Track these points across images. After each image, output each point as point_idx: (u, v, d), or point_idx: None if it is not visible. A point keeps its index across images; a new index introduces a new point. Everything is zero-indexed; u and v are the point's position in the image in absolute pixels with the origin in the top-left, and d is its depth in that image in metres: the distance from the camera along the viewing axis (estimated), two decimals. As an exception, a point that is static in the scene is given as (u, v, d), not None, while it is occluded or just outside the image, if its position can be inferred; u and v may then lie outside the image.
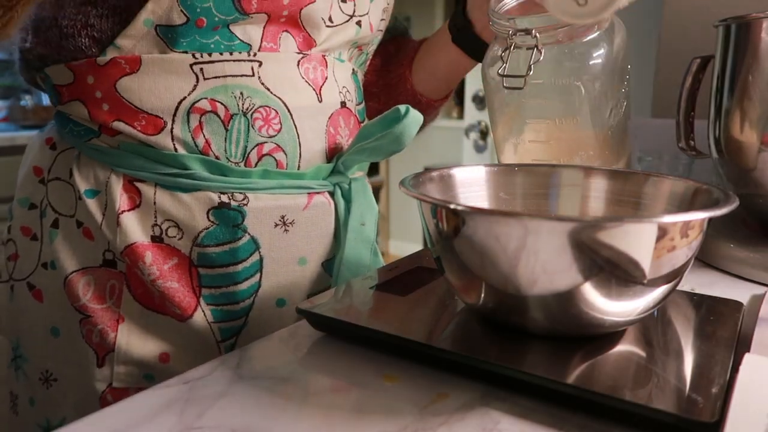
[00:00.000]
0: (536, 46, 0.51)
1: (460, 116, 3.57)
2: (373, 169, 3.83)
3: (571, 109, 0.55)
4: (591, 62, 0.54)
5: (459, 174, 0.47)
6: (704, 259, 0.60)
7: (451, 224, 0.36)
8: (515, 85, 0.52)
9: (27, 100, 2.45)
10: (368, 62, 0.68)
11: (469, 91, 3.24)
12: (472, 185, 0.48)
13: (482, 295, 0.37)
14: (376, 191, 3.82)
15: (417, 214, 0.90)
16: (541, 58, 0.51)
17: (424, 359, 0.38)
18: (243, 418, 0.32)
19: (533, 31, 0.52)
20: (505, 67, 0.53)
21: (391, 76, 0.74)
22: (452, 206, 0.35)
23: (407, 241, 3.87)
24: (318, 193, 0.56)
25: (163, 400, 0.34)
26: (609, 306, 0.34)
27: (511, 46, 0.53)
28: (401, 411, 0.33)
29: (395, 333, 0.38)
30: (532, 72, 0.51)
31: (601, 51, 0.54)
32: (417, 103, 0.73)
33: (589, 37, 0.54)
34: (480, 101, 3.20)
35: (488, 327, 0.39)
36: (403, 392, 0.35)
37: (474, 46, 0.68)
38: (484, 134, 3.23)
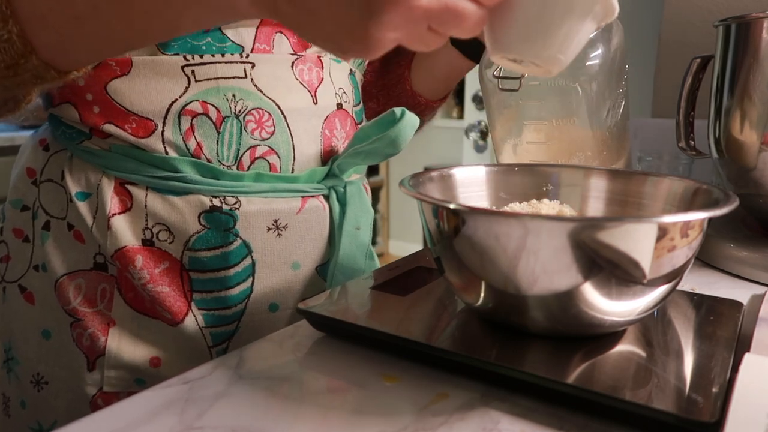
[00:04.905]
0: None
1: (460, 116, 3.57)
2: (373, 170, 3.83)
3: (569, 110, 0.56)
4: (588, 63, 0.54)
5: (459, 174, 0.47)
6: (704, 259, 0.60)
7: (451, 224, 0.36)
8: (511, 87, 0.52)
9: (27, 100, 2.45)
10: (367, 63, 0.68)
11: (469, 91, 3.24)
12: (472, 185, 0.48)
13: (482, 295, 0.37)
14: (376, 191, 3.82)
15: (417, 214, 0.90)
16: None
17: (424, 359, 0.38)
18: (243, 418, 0.32)
19: None
20: (500, 69, 0.53)
21: (390, 77, 0.73)
22: (452, 206, 0.35)
23: (407, 241, 3.87)
24: (312, 196, 0.55)
25: (163, 400, 0.34)
26: (609, 306, 0.34)
27: None
28: (401, 411, 0.33)
29: (395, 333, 0.38)
30: (527, 74, 0.51)
31: (598, 52, 0.54)
32: (416, 104, 0.73)
33: None
34: (480, 101, 3.20)
35: (488, 327, 0.39)
36: (403, 392, 0.35)
37: (472, 49, 0.68)
38: (484, 134, 3.23)
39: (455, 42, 0.68)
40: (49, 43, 0.39)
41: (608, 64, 0.55)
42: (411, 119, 0.53)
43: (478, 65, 0.65)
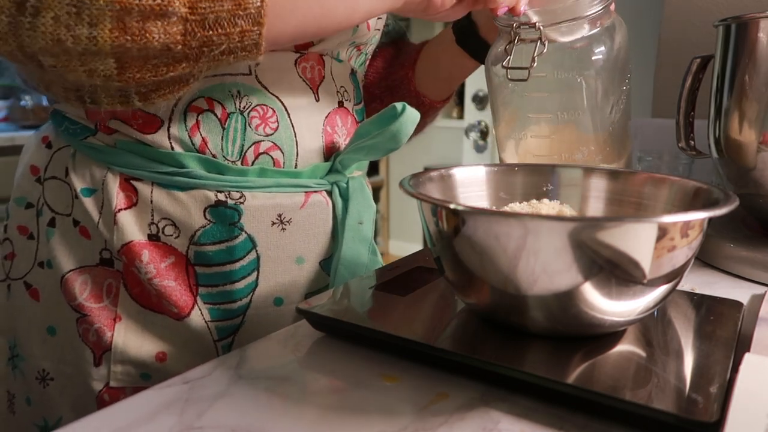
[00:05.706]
0: (540, 39, 0.52)
1: (460, 116, 3.57)
2: (373, 169, 3.83)
3: (573, 104, 0.56)
4: (592, 58, 0.55)
5: (459, 174, 0.47)
6: (704, 259, 0.60)
7: (451, 224, 0.36)
8: (519, 77, 0.53)
9: (27, 100, 2.45)
10: (367, 63, 0.68)
11: (469, 91, 3.24)
12: (472, 185, 0.48)
13: (482, 295, 0.37)
14: (376, 191, 3.82)
15: (417, 214, 0.90)
16: (545, 50, 0.51)
17: (424, 359, 0.38)
18: (243, 418, 0.32)
19: (537, 24, 0.52)
20: (509, 59, 0.53)
21: (394, 78, 0.74)
22: (452, 206, 0.35)
23: (407, 241, 3.87)
24: (315, 191, 0.56)
25: (163, 400, 0.34)
26: (609, 306, 0.34)
27: (515, 39, 0.53)
28: (401, 411, 0.33)
29: (395, 333, 0.38)
30: (536, 64, 0.51)
31: (602, 48, 0.55)
32: (420, 104, 0.73)
33: (590, 33, 0.54)
34: (480, 101, 3.20)
35: (488, 327, 0.39)
36: (403, 392, 0.35)
37: (477, 48, 0.68)
38: (484, 134, 3.23)
39: (460, 41, 0.69)
40: (276, 33, 0.45)
41: (612, 60, 0.55)
42: (411, 114, 0.53)
43: (483, 64, 0.65)
